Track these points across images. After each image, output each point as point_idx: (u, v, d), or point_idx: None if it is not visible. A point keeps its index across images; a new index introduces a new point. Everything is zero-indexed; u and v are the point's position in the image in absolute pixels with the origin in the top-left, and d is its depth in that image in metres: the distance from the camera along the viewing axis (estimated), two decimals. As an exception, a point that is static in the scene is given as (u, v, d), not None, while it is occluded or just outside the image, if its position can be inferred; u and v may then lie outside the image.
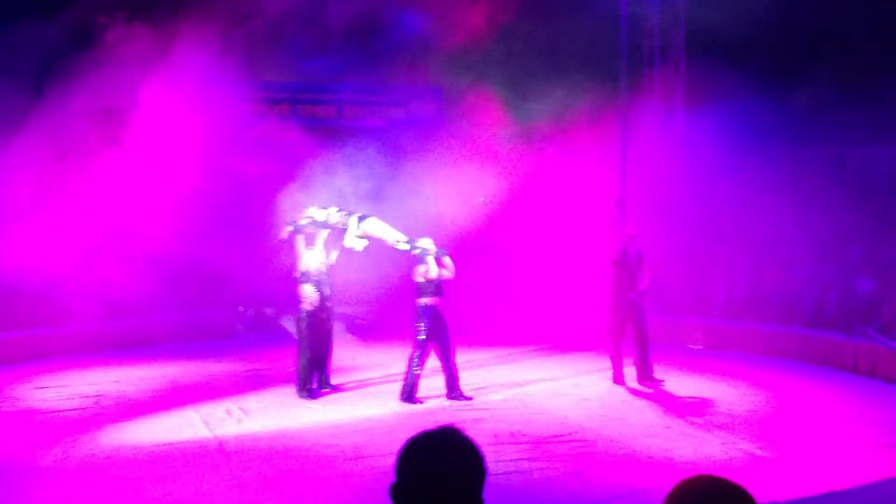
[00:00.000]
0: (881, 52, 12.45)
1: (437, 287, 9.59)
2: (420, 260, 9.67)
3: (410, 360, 9.62)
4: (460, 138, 14.87)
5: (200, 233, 12.51)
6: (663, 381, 10.47)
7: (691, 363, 11.79)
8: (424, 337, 9.55)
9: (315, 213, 10.18)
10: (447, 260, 9.78)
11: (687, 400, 9.76)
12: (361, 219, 10.16)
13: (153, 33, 11.91)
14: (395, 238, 10.01)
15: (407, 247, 9.79)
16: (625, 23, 13.55)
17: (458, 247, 13.93)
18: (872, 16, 13.36)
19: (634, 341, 10.49)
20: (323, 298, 10.23)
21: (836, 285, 12.54)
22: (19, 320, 12.28)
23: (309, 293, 10.11)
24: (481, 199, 14.60)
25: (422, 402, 9.60)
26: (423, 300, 9.57)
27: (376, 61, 14.66)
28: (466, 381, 10.17)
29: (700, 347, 13.00)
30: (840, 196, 13.53)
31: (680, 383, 10.57)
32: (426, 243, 9.71)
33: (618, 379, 10.50)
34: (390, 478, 2.25)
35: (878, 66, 12.24)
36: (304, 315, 10.13)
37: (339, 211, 10.28)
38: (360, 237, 10.06)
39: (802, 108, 13.01)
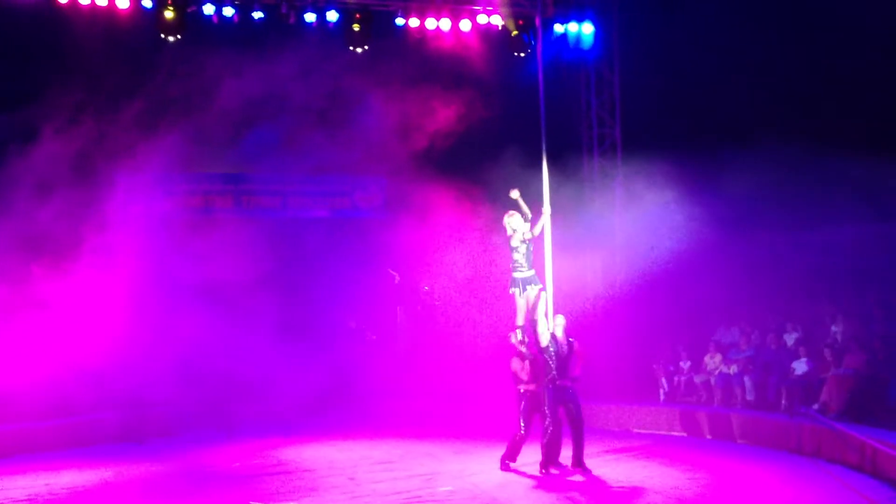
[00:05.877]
0: (809, 140, 13.02)
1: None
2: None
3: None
4: (404, 229, 15.00)
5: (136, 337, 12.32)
6: (590, 470, 10.39)
7: (633, 448, 11.81)
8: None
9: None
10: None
11: (622, 487, 9.66)
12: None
13: (95, 130, 11.95)
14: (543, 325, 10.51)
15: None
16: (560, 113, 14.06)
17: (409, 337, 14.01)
18: (803, 104, 14.05)
19: (570, 428, 10.48)
20: None
21: (775, 367, 12.76)
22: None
23: None
24: (426, 288, 14.70)
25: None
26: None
27: (322, 152, 14.80)
28: (412, 471, 10.28)
29: (645, 432, 13.13)
30: (775, 280, 13.96)
31: (618, 469, 10.53)
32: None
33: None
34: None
35: (807, 154, 12.77)
36: None
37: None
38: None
39: (735, 196, 13.50)
